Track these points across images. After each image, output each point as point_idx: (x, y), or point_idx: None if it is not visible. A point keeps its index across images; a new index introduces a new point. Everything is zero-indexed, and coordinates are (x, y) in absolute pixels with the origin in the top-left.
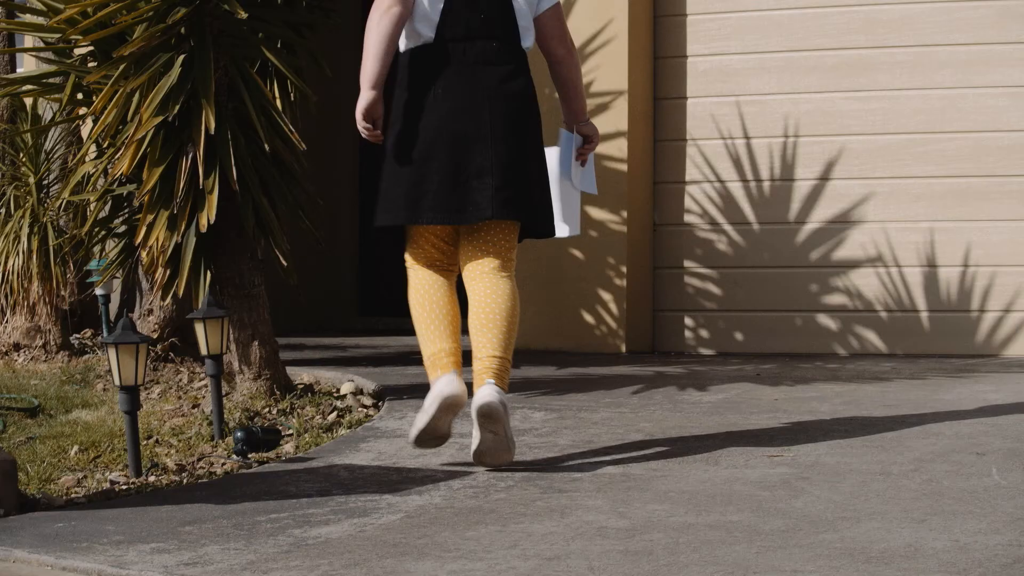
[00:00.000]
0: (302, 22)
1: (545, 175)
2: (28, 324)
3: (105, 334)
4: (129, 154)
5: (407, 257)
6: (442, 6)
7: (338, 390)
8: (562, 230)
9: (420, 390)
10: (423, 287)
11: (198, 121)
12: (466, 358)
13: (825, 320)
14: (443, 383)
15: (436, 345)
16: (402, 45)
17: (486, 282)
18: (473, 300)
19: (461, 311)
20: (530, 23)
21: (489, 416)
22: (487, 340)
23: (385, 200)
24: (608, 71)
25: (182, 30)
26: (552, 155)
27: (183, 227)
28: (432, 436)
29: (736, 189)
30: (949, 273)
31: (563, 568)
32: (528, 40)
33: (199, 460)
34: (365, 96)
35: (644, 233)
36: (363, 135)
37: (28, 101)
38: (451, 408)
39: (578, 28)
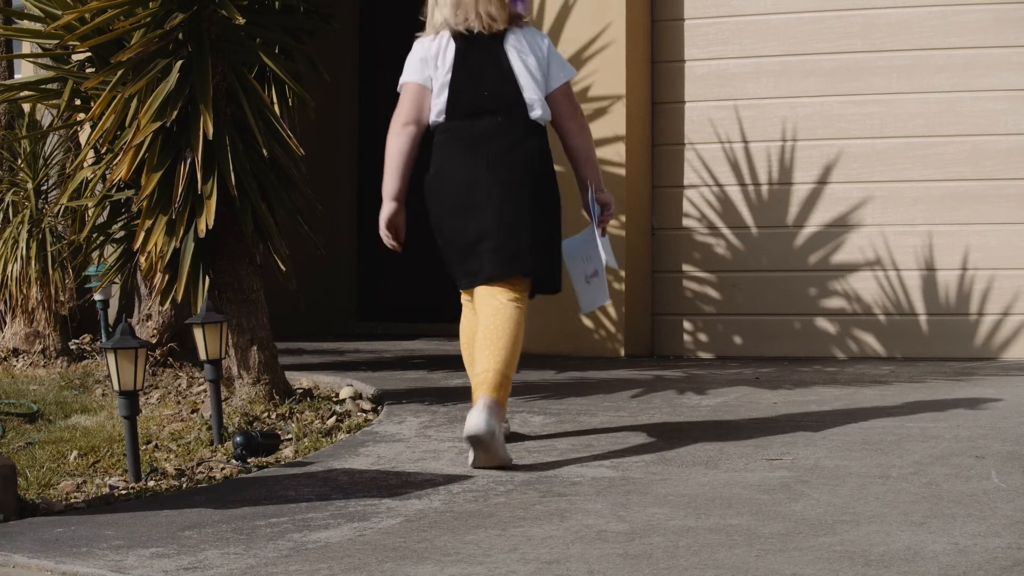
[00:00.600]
0: (300, 28)
1: (554, 234)
2: (27, 329)
3: (104, 339)
4: (127, 159)
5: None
6: (447, 91)
7: (337, 395)
8: (596, 301)
9: (419, 394)
10: (466, 328)
11: (196, 126)
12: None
13: (824, 324)
14: (467, 420)
15: (473, 380)
16: (434, 116)
17: (492, 305)
18: (479, 322)
19: None
20: (537, 96)
21: (476, 443)
22: (485, 356)
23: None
24: (606, 75)
25: (180, 36)
26: (578, 244)
27: (182, 232)
28: (487, 465)
29: (734, 193)
30: (947, 276)
31: (563, 572)
32: (536, 111)
33: (198, 465)
34: (386, 208)
35: (642, 237)
36: (386, 244)
37: (26, 107)
38: (479, 444)
39: (576, 33)
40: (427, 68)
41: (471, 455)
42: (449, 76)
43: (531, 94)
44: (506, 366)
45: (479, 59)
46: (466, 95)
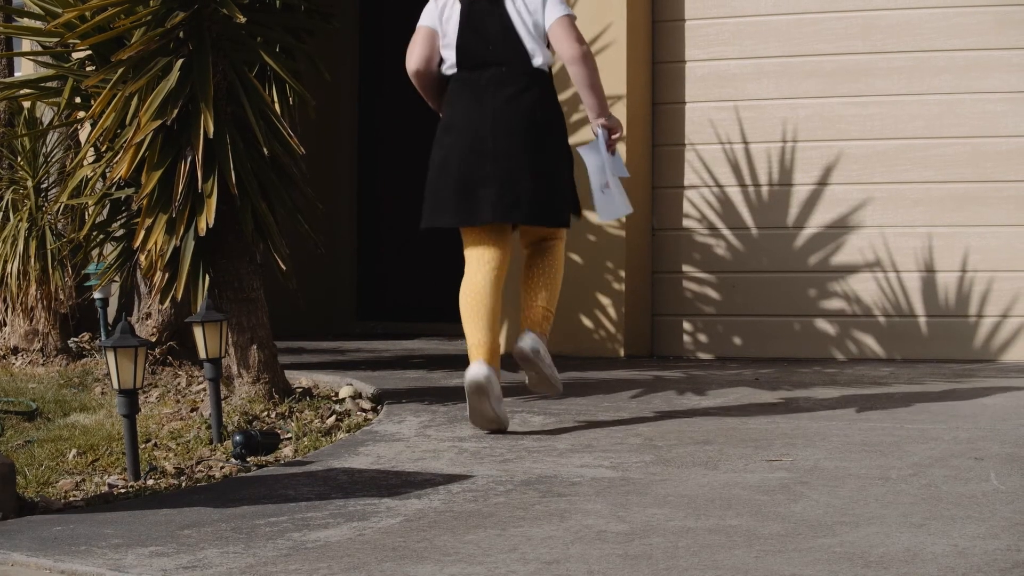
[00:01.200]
0: (301, 27)
1: (557, 176)
2: (26, 328)
3: (103, 338)
4: (128, 158)
5: (466, 254)
6: (455, 46)
7: (337, 394)
8: (615, 211)
9: (418, 394)
10: (469, 282)
11: (197, 125)
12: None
13: (823, 324)
14: (468, 371)
15: (473, 337)
16: (447, 71)
17: (533, 250)
18: (524, 266)
19: None
20: (538, 44)
21: (524, 360)
22: (529, 295)
23: (425, 205)
24: (606, 76)
25: (181, 34)
26: (590, 156)
27: (182, 231)
28: (482, 418)
29: (734, 194)
30: (947, 278)
31: (562, 572)
32: (538, 59)
33: (198, 464)
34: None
35: (643, 237)
36: None
37: (26, 105)
38: (478, 391)
39: None
40: (440, 19)
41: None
42: (457, 32)
43: (531, 44)
44: (548, 301)
45: (482, 16)
46: (472, 49)
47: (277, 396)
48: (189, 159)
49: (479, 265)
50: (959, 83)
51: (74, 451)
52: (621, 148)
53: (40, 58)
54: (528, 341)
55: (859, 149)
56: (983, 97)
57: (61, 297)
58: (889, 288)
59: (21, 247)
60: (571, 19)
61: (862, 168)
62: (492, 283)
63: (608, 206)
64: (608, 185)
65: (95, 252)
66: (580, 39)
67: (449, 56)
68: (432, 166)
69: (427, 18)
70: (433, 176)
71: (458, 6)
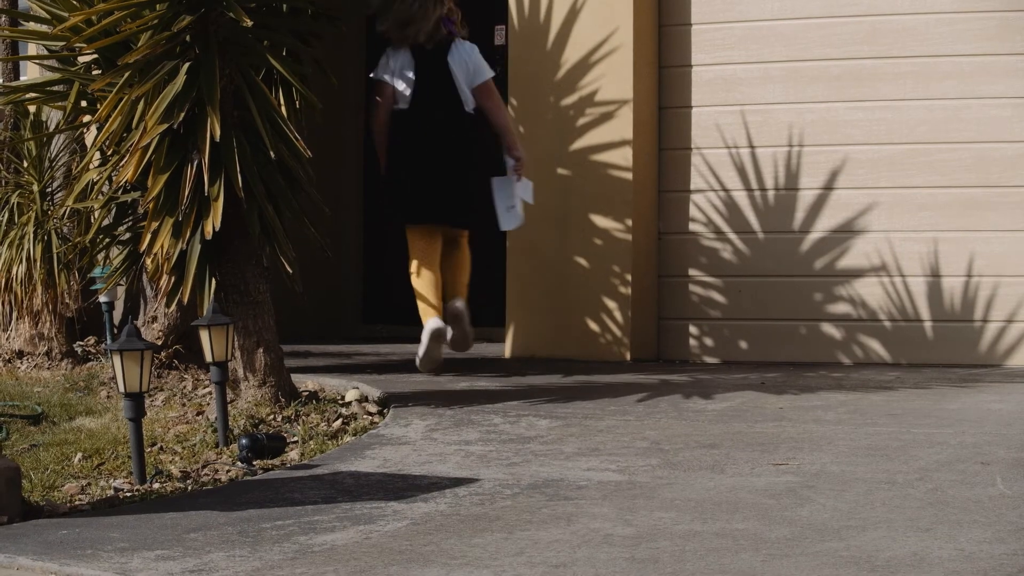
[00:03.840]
0: (308, 30)
1: (474, 195)
2: (32, 331)
3: (109, 341)
4: (134, 161)
5: (410, 244)
6: (410, 92)
7: (343, 397)
8: (514, 224)
9: (425, 397)
10: (418, 265)
11: (203, 128)
12: None
13: (829, 329)
14: (430, 323)
15: (428, 303)
16: (400, 105)
17: (450, 249)
18: (446, 259)
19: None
20: (467, 93)
21: (456, 316)
22: (455, 275)
23: (385, 208)
24: (613, 80)
25: (187, 38)
26: (502, 183)
27: (188, 234)
28: (432, 361)
29: (741, 198)
30: (953, 283)
31: (569, 575)
32: (469, 105)
33: (204, 467)
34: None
35: (649, 241)
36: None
37: (32, 108)
38: (438, 336)
39: (582, 37)
40: (394, 70)
41: (448, 335)
42: (411, 77)
43: (465, 93)
44: (465, 281)
45: (428, 66)
46: (421, 92)
47: (283, 399)
48: (195, 162)
49: (424, 253)
50: (965, 88)
51: (80, 455)
52: (626, 153)
53: (46, 62)
54: (461, 303)
55: (865, 154)
56: (989, 102)
57: (67, 300)
58: (895, 292)
59: (27, 251)
60: (493, 79)
61: (868, 173)
62: (434, 264)
63: (511, 221)
64: (513, 207)
65: (101, 255)
66: (498, 94)
67: (404, 99)
68: (388, 180)
69: (382, 72)
70: (390, 188)
71: (410, 59)
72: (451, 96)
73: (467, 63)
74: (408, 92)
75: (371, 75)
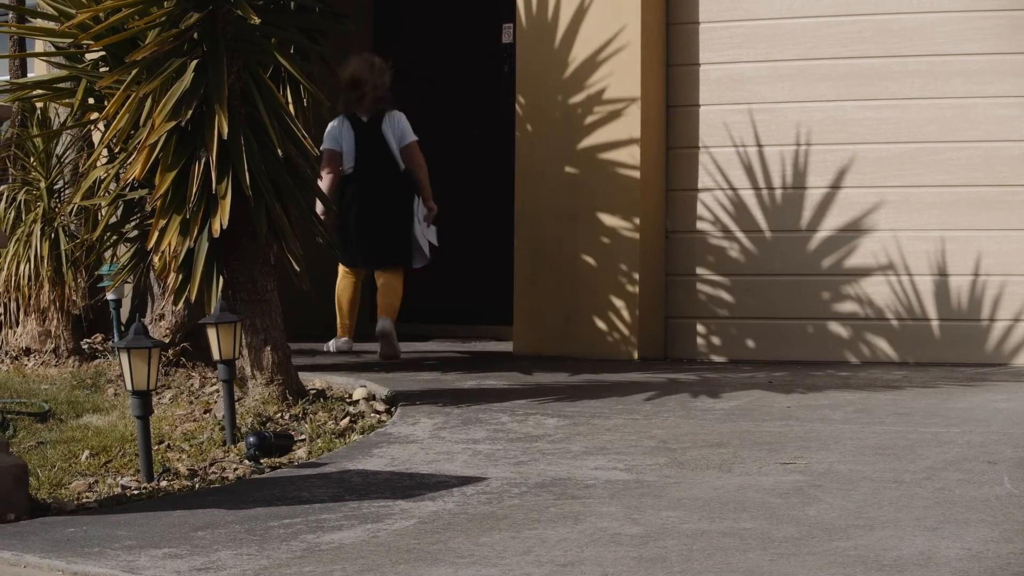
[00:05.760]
0: (315, 28)
1: (407, 240)
2: (39, 329)
3: (116, 339)
4: (141, 159)
5: (341, 271)
6: (353, 153)
7: (350, 395)
8: (419, 262)
9: (432, 396)
10: (344, 289)
11: (211, 126)
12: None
13: (836, 328)
14: (341, 342)
15: (342, 320)
16: (346, 167)
17: (382, 277)
18: (381, 285)
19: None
20: (398, 155)
21: (383, 336)
22: (383, 300)
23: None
24: (621, 78)
25: (195, 35)
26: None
27: (195, 232)
28: (391, 354)
29: (748, 197)
30: (960, 282)
31: (577, 574)
32: (401, 165)
33: (211, 465)
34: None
35: (656, 240)
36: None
37: (39, 105)
38: (345, 351)
39: (591, 35)
40: (339, 139)
41: (379, 351)
42: (353, 144)
43: (396, 155)
44: (395, 303)
45: (367, 133)
46: (362, 156)
47: (291, 397)
48: (203, 160)
49: (346, 283)
50: (973, 87)
51: (87, 452)
52: (634, 152)
53: (53, 59)
54: (387, 323)
55: (873, 153)
56: (996, 101)
57: (74, 298)
58: (902, 291)
59: (34, 248)
60: (417, 143)
61: (875, 171)
62: (354, 294)
63: (419, 260)
64: (421, 248)
65: (108, 253)
66: (420, 155)
67: (348, 162)
68: (342, 226)
69: (330, 142)
70: (342, 234)
71: (351, 130)
72: (388, 158)
73: (396, 129)
74: (351, 157)
75: (320, 148)
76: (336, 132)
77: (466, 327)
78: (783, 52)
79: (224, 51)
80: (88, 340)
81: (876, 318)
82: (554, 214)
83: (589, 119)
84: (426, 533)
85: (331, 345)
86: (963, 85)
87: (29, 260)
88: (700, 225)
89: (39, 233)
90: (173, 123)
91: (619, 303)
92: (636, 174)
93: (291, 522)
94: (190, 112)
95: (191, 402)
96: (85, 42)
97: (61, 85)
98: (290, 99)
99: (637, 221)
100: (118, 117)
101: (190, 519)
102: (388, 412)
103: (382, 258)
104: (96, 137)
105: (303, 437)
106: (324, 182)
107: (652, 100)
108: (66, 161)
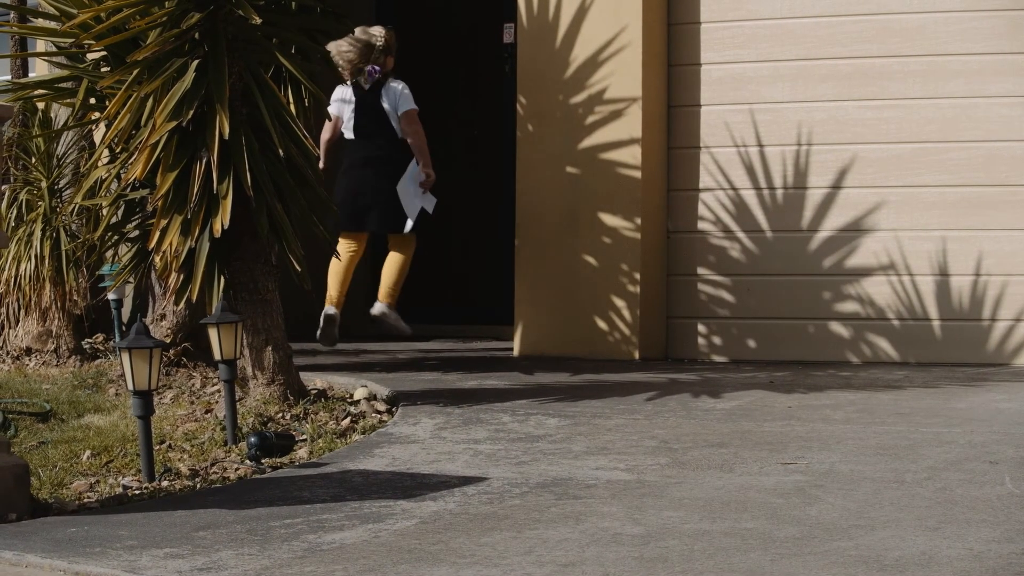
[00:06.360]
0: (316, 28)
1: (399, 206)
2: (40, 329)
3: (117, 339)
4: (143, 159)
5: (340, 243)
6: (352, 124)
7: (352, 395)
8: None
9: (433, 396)
10: (334, 259)
11: (212, 126)
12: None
13: (838, 328)
14: (327, 309)
15: (331, 291)
16: (346, 134)
17: (391, 252)
18: (388, 259)
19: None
20: (396, 123)
21: (378, 320)
22: (385, 278)
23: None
24: (622, 78)
25: (196, 35)
26: (408, 185)
27: (197, 232)
28: (326, 337)
29: (749, 197)
30: (961, 282)
31: (578, 574)
32: (399, 133)
33: (212, 465)
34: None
35: (658, 240)
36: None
37: (41, 105)
38: (330, 321)
39: (592, 35)
40: (342, 104)
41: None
42: (353, 111)
43: (395, 123)
44: (395, 284)
45: (367, 102)
46: (362, 125)
47: (292, 397)
48: (204, 160)
49: (346, 251)
50: (973, 87)
51: (88, 452)
52: (635, 152)
53: (55, 59)
54: (381, 307)
55: (874, 152)
56: (997, 101)
57: (75, 298)
58: (903, 291)
59: (35, 248)
60: (415, 111)
61: (877, 171)
62: (350, 262)
63: (412, 213)
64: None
65: (109, 253)
66: (418, 123)
67: (348, 129)
68: (336, 193)
69: (334, 108)
70: (337, 200)
71: (353, 96)
72: (386, 125)
73: (394, 98)
74: (351, 124)
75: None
76: (341, 96)
77: (467, 327)
78: (784, 52)
79: (225, 51)
80: (89, 340)
81: (877, 318)
82: (555, 214)
83: (590, 119)
84: (427, 533)
85: (321, 320)
86: (964, 85)
87: (30, 260)
88: (701, 225)
89: (40, 233)
90: (174, 123)
91: (620, 303)
92: (637, 174)
93: (292, 522)
94: (191, 112)
95: (192, 402)
96: (86, 42)
97: (62, 85)
98: (291, 99)
99: (638, 221)
100: (119, 117)
101: (191, 519)
102: (389, 412)
103: (373, 224)
104: (97, 137)
105: (304, 437)
106: (324, 146)
107: (653, 100)
108: (67, 161)
